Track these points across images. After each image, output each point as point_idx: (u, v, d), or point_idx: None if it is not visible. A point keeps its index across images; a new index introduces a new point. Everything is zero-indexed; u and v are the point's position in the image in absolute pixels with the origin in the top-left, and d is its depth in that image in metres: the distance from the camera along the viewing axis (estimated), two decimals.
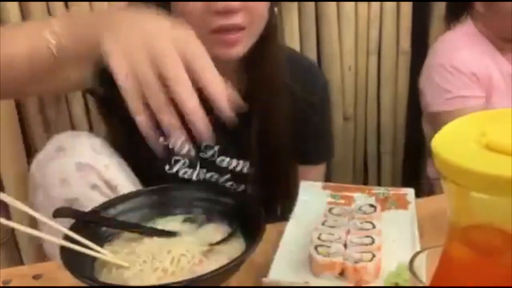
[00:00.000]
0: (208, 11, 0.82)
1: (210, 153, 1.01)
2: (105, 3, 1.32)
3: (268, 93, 0.94)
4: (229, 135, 0.99)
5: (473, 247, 0.41)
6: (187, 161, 1.00)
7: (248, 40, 0.89)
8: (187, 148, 1.00)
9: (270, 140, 0.96)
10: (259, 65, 0.93)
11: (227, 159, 1.01)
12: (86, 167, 0.85)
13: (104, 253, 0.68)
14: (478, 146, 0.39)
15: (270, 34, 0.92)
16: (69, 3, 1.31)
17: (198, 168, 1.01)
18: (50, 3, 1.31)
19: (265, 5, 0.88)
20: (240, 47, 0.87)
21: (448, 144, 0.41)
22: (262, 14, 0.88)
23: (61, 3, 1.31)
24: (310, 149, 1.04)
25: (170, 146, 1.00)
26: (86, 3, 1.32)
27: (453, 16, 1.46)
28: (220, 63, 0.90)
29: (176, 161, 1.00)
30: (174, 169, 1.00)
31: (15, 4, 1.28)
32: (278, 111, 0.95)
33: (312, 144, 1.04)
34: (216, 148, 1.01)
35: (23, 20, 1.30)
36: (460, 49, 1.37)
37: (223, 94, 0.60)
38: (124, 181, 0.90)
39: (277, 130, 0.96)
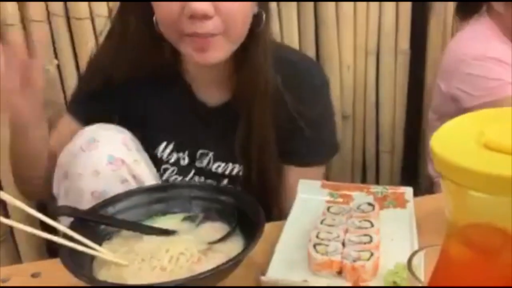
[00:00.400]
0: (182, 15, 0.82)
1: (205, 161, 1.00)
2: (105, 3, 1.32)
3: (254, 97, 0.92)
4: (221, 139, 0.98)
5: (472, 246, 0.41)
6: (175, 169, 1.01)
7: (227, 46, 0.87)
8: (175, 157, 1.00)
9: (256, 143, 0.95)
10: (245, 69, 0.91)
11: (223, 164, 1.00)
12: (117, 161, 0.85)
13: (102, 252, 0.68)
14: (477, 145, 0.39)
15: (255, 39, 0.90)
16: (68, 3, 1.31)
17: (191, 174, 1.01)
18: (50, 3, 1.31)
19: (242, 11, 0.85)
20: (215, 52, 0.86)
21: (446, 143, 0.41)
22: (240, 20, 0.85)
23: (61, 3, 1.31)
24: (304, 152, 1.01)
25: (158, 156, 1.00)
26: (86, 3, 1.32)
27: (465, 14, 1.40)
28: (211, 67, 0.90)
29: (165, 170, 1.01)
30: (164, 177, 1.01)
31: (15, 4, 1.28)
32: (264, 115, 0.93)
33: (306, 147, 1.00)
34: (211, 154, 1.00)
35: (22, 20, 1.30)
36: (489, 41, 1.30)
37: None
38: (151, 178, 0.91)
39: (263, 133, 0.94)
